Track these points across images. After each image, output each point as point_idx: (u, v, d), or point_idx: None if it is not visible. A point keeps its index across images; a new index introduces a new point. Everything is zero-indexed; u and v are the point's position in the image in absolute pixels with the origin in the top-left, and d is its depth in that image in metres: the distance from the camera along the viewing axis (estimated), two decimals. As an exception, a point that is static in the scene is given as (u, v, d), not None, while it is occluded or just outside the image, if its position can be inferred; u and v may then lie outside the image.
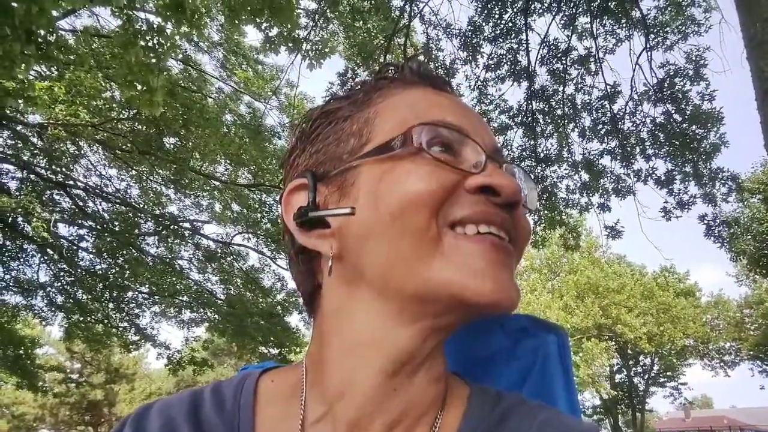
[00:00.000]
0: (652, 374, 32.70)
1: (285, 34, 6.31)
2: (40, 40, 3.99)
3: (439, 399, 0.59)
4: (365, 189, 0.56)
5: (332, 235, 0.58)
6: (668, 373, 33.22)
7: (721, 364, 31.31)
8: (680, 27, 8.06)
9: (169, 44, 4.85)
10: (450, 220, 0.53)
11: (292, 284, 12.68)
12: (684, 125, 8.01)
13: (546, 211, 8.85)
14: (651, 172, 8.36)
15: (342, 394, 0.57)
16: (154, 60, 4.72)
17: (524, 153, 8.82)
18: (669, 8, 8.08)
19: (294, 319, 13.16)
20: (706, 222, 8.32)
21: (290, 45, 6.60)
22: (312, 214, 0.59)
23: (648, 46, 7.96)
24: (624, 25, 8.27)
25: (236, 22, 5.70)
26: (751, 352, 28.61)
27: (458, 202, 0.53)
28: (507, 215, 0.54)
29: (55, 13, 4.75)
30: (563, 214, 8.94)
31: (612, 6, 8.09)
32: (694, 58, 7.92)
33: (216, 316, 12.56)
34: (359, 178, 0.57)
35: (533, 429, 0.56)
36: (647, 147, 8.41)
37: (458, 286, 0.51)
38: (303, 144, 0.65)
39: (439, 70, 7.94)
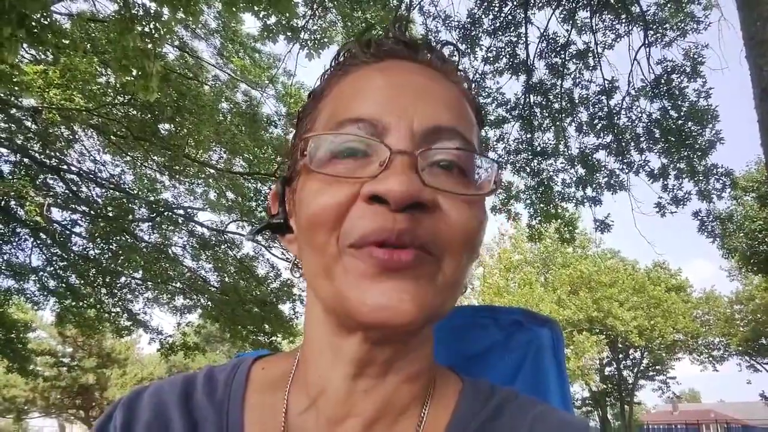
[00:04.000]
0: (642, 367, 33.00)
1: (283, 22, 6.27)
2: (33, 23, 3.95)
3: (421, 395, 0.59)
4: (297, 198, 0.58)
5: (296, 240, 0.60)
6: (657, 367, 33.55)
7: (710, 358, 31.63)
8: (679, 24, 8.06)
9: (165, 29, 4.81)
10: (351, 235, 0.50)
11: (285, 273, 12.69)
12: (680, 122, 8.04)
13: (542, 205, 8.88)
14: (644, 164, 8.39)
15: (322, 391, 0.57)
16: (150, 45, 4.69)
17: (521, 146, 8.83)
18: (669, 5, 8.07)
19: (287, 308, 13.19)
20: (700, 218, 8.39)
21: (288, 34, 6.56)
22: (270, 221, 0.63)
23: (646, 42, 7.97)
24: (623, 20, 8.26)
25: (234, 9, 5.65)
26: (740, 348, 28.91)
27: (356, 214, 0.50)
28: (407, 223, 0.48)
29: (50, -5, 4.70)
30: (558, 207, 8.97)
31: (612, 1, 8.08)
32: (692, 55, 7.93)
33: (209, 303, 12.57)
34: (299, 186, 0.57)
35: (526, 423, 0.57)
36: (642, 142, 8.44)
37: (348, 305, 0.50)
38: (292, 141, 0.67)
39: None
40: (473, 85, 0.64)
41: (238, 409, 0.60)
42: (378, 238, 0.49)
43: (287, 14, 5.77)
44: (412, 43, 0.60)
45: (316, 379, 0.58)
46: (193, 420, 0.59)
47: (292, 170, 0.60)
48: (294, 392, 0.60)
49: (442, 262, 0.51)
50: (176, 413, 0.59)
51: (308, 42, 7.50)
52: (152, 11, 4.68)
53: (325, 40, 7.67)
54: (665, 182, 8.30)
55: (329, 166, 0.52)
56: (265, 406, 0.60)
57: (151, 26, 4.69)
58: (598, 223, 8.48)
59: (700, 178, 8.08)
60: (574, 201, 8.84)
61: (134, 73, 4.71)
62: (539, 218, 8.97)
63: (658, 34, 8.09)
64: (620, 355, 32.59)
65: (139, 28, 4.54)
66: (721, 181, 8.07)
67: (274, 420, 0.58)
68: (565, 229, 9.23)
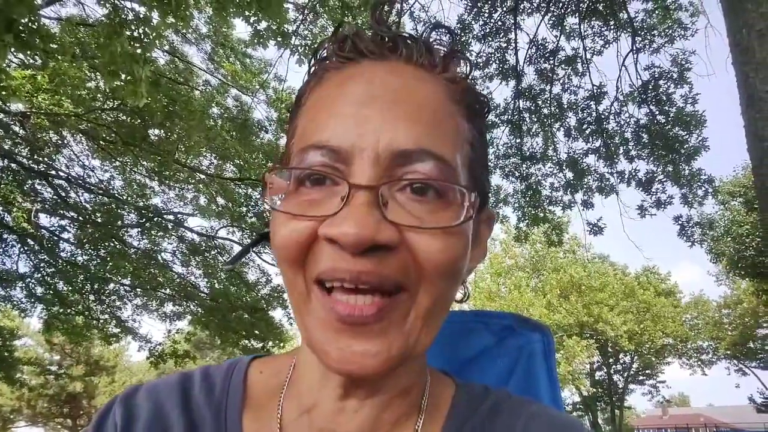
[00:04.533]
0: (631, 372, 33.14)
1: (274, 28, 6.26)
2: (21, 28, 3.91)
3: (415, 406, 0.59)
4: (271, 224, 0.55)
5: None
6: (647, 371, 33.70)
7: (699, 362, 31.84)
8: (667, 30, 8.15)
9: (154, 34, 4.79)
10: (313, 276, 0.49)
11: (276, 279, 12.64)
12: (667, 127, 8.13)
13: (530, 208, 8.95)
14: (634, 173, 8.49)
15: (314, 405, 0.58)
16: (139, 50, 4.66)
17: (510, 150, 8.89)
18: (656, 11, 8.17)
19: (278, 314, 13.13)
20: (680, 222, 8.50)
21: (279, 39, 6.55)
22: (266, 230, 0.61)
23: (634, 48, 8.05)
24: (612, 27, 8.35)
25: (224, 14, 5.64)
26: (728, 352, 29.13)
27: (318, 251, 0.49)
28: (367, 266, 0.46)
29: (38, 1, 4.67)
30: (546, 211, 9.05)
31: (600, 8, 8.16)
32: (679, 62, 8.02)
33: (199, 309, 12.48)
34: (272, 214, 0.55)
35: (521, 422, 0.58)
36: (630, 148, 8.52)
37: (315, 348, 0.50)
38: None
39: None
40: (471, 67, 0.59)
41: (237, 412, 0.60)
42: (337, 277, 0.47)
43: (278, 20, 5.76)
44: (391, 37, 0.55)
45: (308, 392, 0.58)
46: (191, 420, 0.59)
47: (266, 180, 0.57)
48: (288, 398, 0.60)
49: (417, 295, 0.49)
50: (175, 413, 0.59)
51: (299, 47, 7.50)
52: (141, 15, 4.66)
53: (316, 45, 7.67)
54: (649, 186, 8.41)
55: (294, 196, 0.51)
56: (262, 411, 0.60)
57: (140, 31, 4.67)
58: (590, 226, 8.55)
59: (683, 183, 8.18)
60: (561, 205, 8.92)
61: (123, 78, 4.68)
62: (527, 221, 9.04)
63: (646, 41, 8.18)
64: (610, 360, 32.72)
65: (128, 33, 4.52)
66: (702, 188, 8.19)
67: (269, 425, 0.59)
68: (553, 232, 9.31)
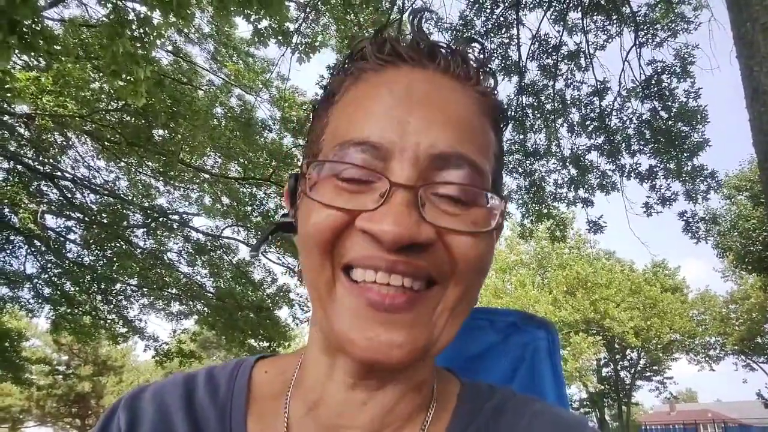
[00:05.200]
0: (639, 368, 33.04)
1: (274, 26, 6.25)
2: (24, 29, 3.92)
3: (425, 403, 0.59)
4: (299, 213, 0.57)
5: None
6: (654, 367, 33.58)
7: (707, 358, 31.70)
8: (670, 24, 8.11)
9: (155, 34, 4.79)
10: (342, 262, 0.51)
11: (282, 278, 12.66)
12: (670, 122, 8.08)
13: (534, 204, 8.94)
14: (635, 167, 8.44)
15: (321, 399, 0.57)
16: (141, 51, 4.67)
17: (513, 147, 8.87)
18: (659, 5, 8.12)
19: (284, 313, 13.15)
20: (685, 218, 8.43)
21: (280, 38, 6.54)
22: (282, 220, 0.63)
23: (637, 42, 8.01)
24: (614, 21, 8.30)
25: (225, 13, 5.63)
26: (736, 347, 28.98)
27: (349, 240, 0.50)
28: (400, 258, 0.48)
29: (42, 2, 4.68)
30: (550, 207, 9.03)
31: (603, 2, 8.12)
32: (682, 55, 7.98)
33: (205, 308, 12.52)
34: (301, 203, 0.57)
35: (525, 421, 0.58)
36: (633, 143, 8.48)
37: (338, 337, 0.50)
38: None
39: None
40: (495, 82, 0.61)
41: (241, 414, 0.60)
42: (372, 265, 0.49)
43: (278, 18, 5.76)
44: (429, 45, 0.57)
45: (314, 385, 0.58)
46: (195, 421, 0.59)
47: (304, 171, 0.58)
48: (295, 396, 0.60)
49: (446, 289, 0.52)
50: (179, 415, 0.59)
51: (299, 46, 7.49)
52: (142, 15, 4.66)
53: (317, 43, 7.67)
54: (653, 182, 8.35)
55: (329, 188, 0.52)
56: (267, 412, 0.60)
57: (141, 31, 4.67)
58: (591, 225, 8.52)
59: (686, 178, 8.13)
60: (565, 201, 8.89)
61: (124, 77, 4.69)
62: (531, 218, 9.03)
63: (648, 35, 8.14)
64: (617, 356, 32.63)
65: (129, 33, 4.52)
66: (706, 183, 8.12)
67: (275, 425, 0.59)
68: (557, 228, 9.30)
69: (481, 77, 0.58)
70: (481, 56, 0.59)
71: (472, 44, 0.59)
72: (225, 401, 0.61)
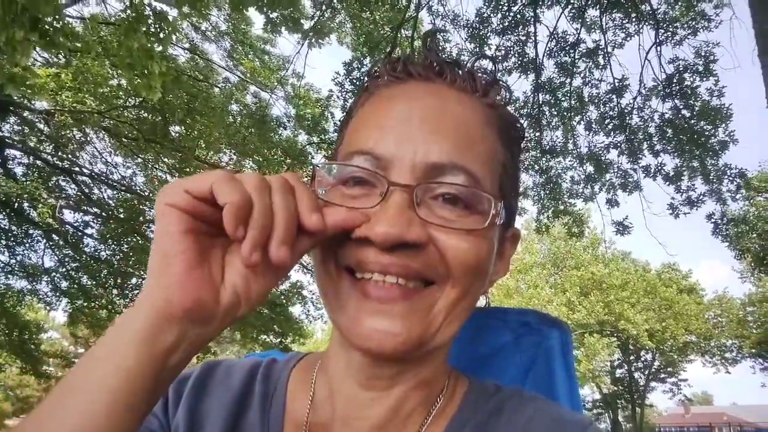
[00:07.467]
0: (653, 370, 32.69)
1: (285, 14, 6.26)
2: (46, 27, 3.98)
3: (430, 400, 0.62)
4: None
5: None
6: (669, 369, 33.21)
7: (722, 361, 31.25)
8: (690, 22, 7.98)
9: (170, 29, 4.84)
10: (343, 263, 0.56)
11: (295, 276, 12.72)
12: (692, 121, 7.96)
13: (550, 201, 8.89)
14: (659, 168, 8.30)
15: (337, 390, 0.62)
16: (157, 46, 4.72)
17: (529, 144, 8.82)
18: (679, 3, 8.00)
19: (297, 310, 13.22)
20: (713, 221, 8.23)
21: (290, 25, 6.55)
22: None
23: (657, 41, 7.89)
24: (633, 19, 8.20)
25: (240, 6, 5.66)
26: (753, 350, 28.54)
27: (348, 247, 0.55)
28: (393, 259, 0.52)
29: (62, 0, 4.74)
30: (567, 204, 8.96)
31: (622, 0, 8.02)
32: (703, 54, 7.85)
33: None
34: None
35: (524, 418, 0.59)
36: (655, 143, 8.36)
37: (342, 327, 0.56)
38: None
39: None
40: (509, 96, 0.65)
41: (281, 396, 0.67)
42: (367, 269, 0.54)
43: (293, 11, 5.78)
44: (439, 62, 0.61)
45: (333, 376, 0.63)
46: (250, 386, 0.69)
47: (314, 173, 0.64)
48: (319, 376, 0.67)
49: (444, 289, 0.55)
50: (237, 390, 0.68)
51: (310, 33, 7.49)
52: (157, 10, 4.71)
53: (326, 30, 7.69)
54: (678, 183, 8.21)
55: (336, 191, 0.57)
56: (300, 383, 0.68)
57: (156, 26, 4.72)
58: (617, 226, 8.38)
59: (713, 178, 7.98)
60: (582, 197, 8.81)
61: (138, 71, 4.75)
62: (547, 214, 8.97)
63: (668, 33, 8.02)
64: (631, 357, 32.33)
65: (144, 28, 4.58)
66: (735, 182, 7.96)
67: (303, 399, 0.65)
68: (573, 223, 9.21)
69: (490, 90, 0.62)
70: (492, 70, 0.63)
71: (484, 59, 0.64)
72: (271, 386, 0.68)
